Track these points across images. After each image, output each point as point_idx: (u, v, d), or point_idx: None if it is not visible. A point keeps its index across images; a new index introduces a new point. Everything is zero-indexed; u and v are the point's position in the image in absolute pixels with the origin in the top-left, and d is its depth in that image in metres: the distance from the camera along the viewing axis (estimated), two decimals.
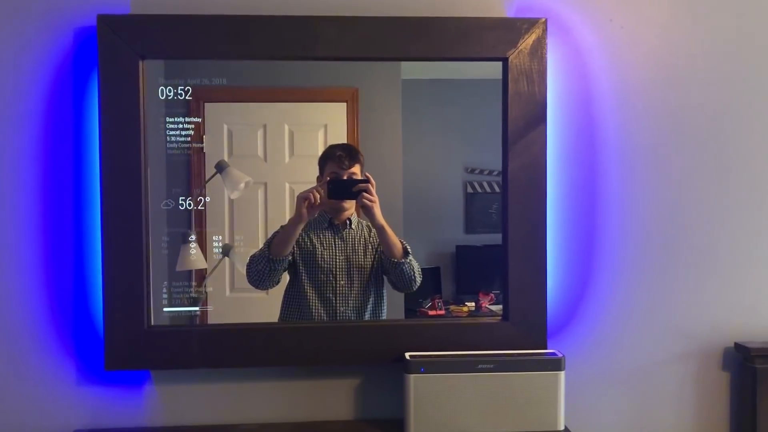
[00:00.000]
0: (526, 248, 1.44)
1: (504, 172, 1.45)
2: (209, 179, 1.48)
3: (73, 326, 1.44)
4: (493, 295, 1.58)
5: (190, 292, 1.49)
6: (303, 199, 1.45)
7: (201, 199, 1.48)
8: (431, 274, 1.59)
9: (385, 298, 1.54)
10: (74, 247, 1.43)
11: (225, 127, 1.51)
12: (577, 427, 1.45)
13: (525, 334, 1.44)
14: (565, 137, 1.49)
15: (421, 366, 1.34)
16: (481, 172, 1.59)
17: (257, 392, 1.48)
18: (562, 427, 1.36)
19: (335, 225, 1.52)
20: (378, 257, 1.52)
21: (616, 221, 1.51)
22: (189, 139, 1.46)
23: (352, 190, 1.46)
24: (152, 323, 1.41)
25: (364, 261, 1.52)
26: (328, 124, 1.54)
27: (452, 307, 1.59)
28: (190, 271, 1.50)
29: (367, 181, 1.46)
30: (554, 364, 1.36)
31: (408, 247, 1.50)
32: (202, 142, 1.48)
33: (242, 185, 1.51)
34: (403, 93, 1.54)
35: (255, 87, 1.56)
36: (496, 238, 1.47)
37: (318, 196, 1.45)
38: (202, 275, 1.50)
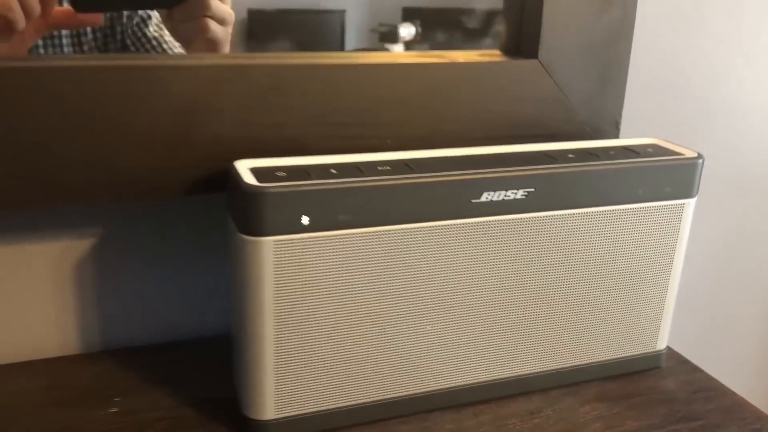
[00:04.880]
0: None
1: None
2: None
3: None
4: None
5: None
6: None
7: None
8: None
9: None
10: None
11: None
12: None
13: (576, 89, 0.52)
14: None
15: (303, 208, 0.38)
16: None
17: None
18: (664, 345, 0.53)
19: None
20: None
21: None
22: None
23: None
24: None
25: None
26: None
27: None
28: None
29: None
30: (686, 169, 0.48)
31: None
32: None
33: None
34: None
35: None
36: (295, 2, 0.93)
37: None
38: None
